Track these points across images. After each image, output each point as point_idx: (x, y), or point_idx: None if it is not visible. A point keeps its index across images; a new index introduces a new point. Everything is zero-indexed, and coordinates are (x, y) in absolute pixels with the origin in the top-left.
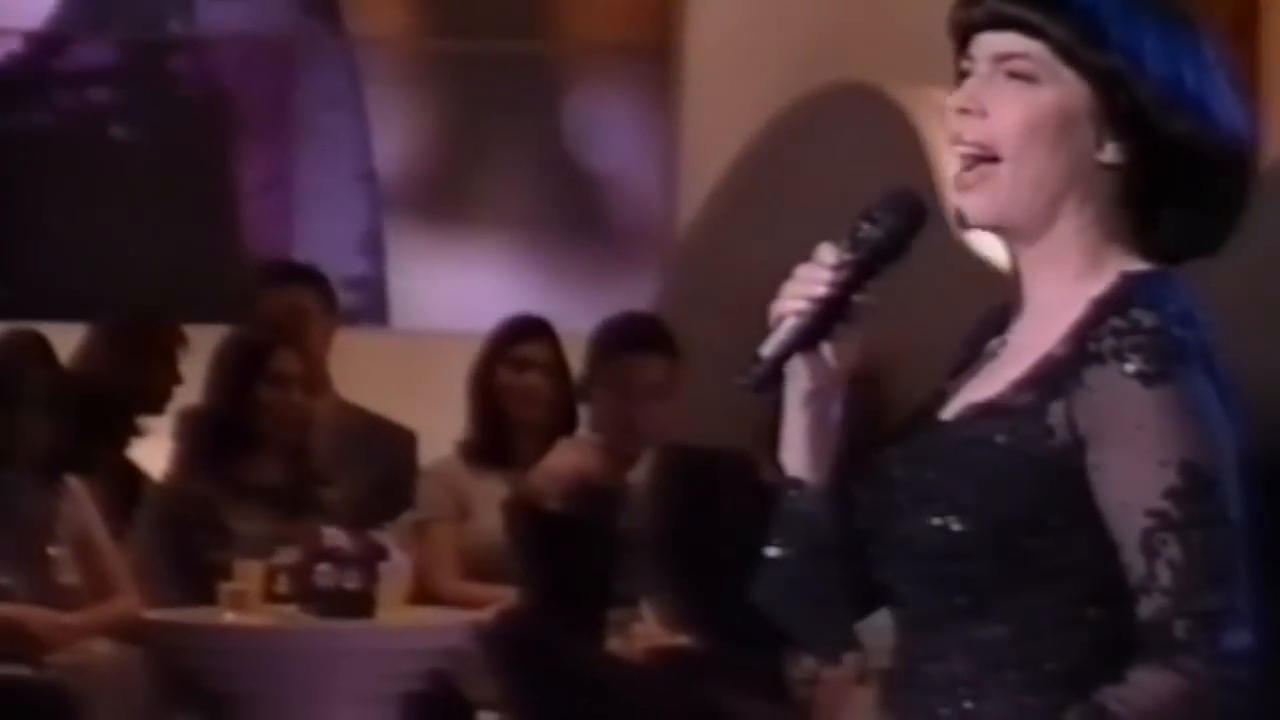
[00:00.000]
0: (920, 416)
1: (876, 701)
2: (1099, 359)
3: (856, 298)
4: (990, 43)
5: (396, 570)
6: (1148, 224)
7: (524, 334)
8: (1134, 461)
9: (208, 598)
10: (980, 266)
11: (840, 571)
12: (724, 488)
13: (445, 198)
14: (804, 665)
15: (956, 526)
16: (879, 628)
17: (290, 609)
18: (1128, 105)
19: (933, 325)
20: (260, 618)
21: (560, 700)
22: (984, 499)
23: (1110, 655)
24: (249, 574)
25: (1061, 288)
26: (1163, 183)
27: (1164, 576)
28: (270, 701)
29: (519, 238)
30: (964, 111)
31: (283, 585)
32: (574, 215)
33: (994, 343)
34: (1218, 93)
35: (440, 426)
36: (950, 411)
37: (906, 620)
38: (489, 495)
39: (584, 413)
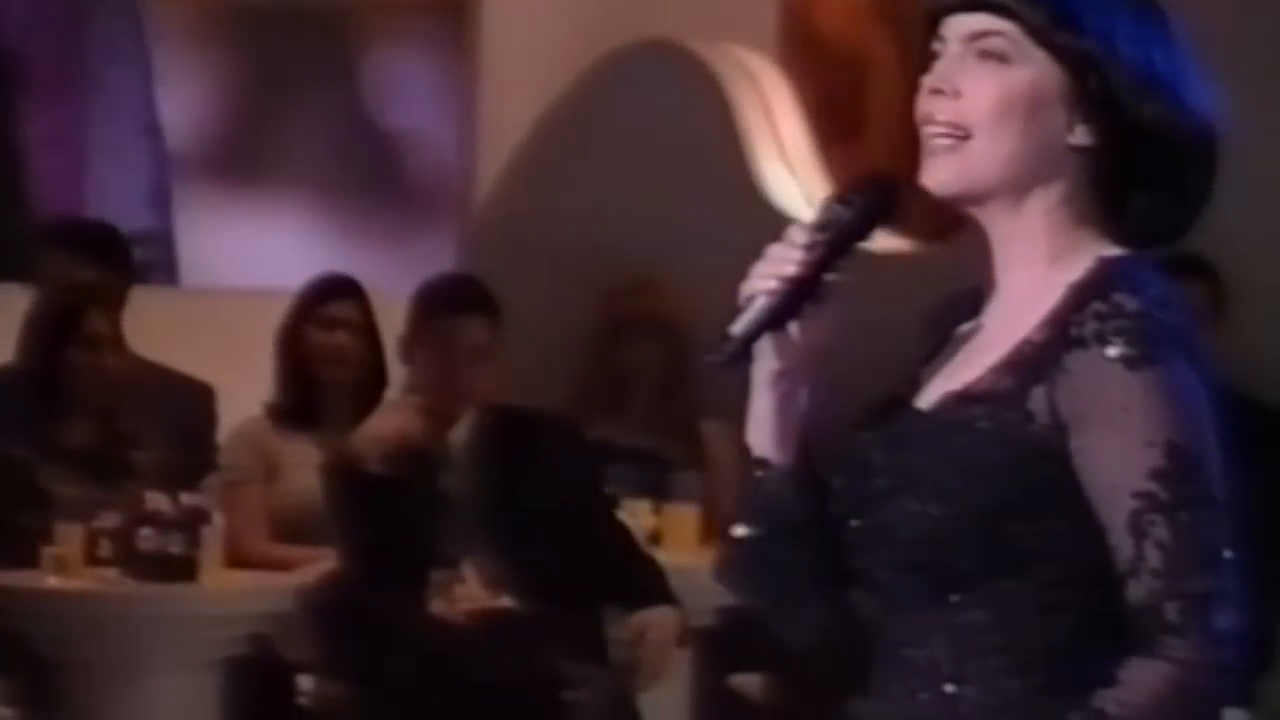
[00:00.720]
0: (893, 403)
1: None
2: (1081, 343)
3: (827, 277)
4: (962, 23)
5: (217, 534)
6: (1117, 208)
7: (332, 293)
8: (1119, 444)
9: (29, 562)
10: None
11: (808, 552)
12: (545, 448)
13: (239, 155)
14: (625, 625)
15: (937, 512)
16: (695, 587)
17: (112, 573)
18: (1099, 88)
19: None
20: (83, 582)
21: (382, 662)
22: (965, 484)
23: (1091, 638)
24: (70, 538)
25: (1034, 271)
26: (1132, 166)
27: (1153, 558)
28: (94, 666)
29: (315, 195)
30: (936, 92)
31: (105, 549)
32: (371, 173)
33: (966, 327)
34: (1187, 78)
35: (233, 385)
36: (927, 399)
37: (885, 605)
38: (298, 456)
39: (395, 372)
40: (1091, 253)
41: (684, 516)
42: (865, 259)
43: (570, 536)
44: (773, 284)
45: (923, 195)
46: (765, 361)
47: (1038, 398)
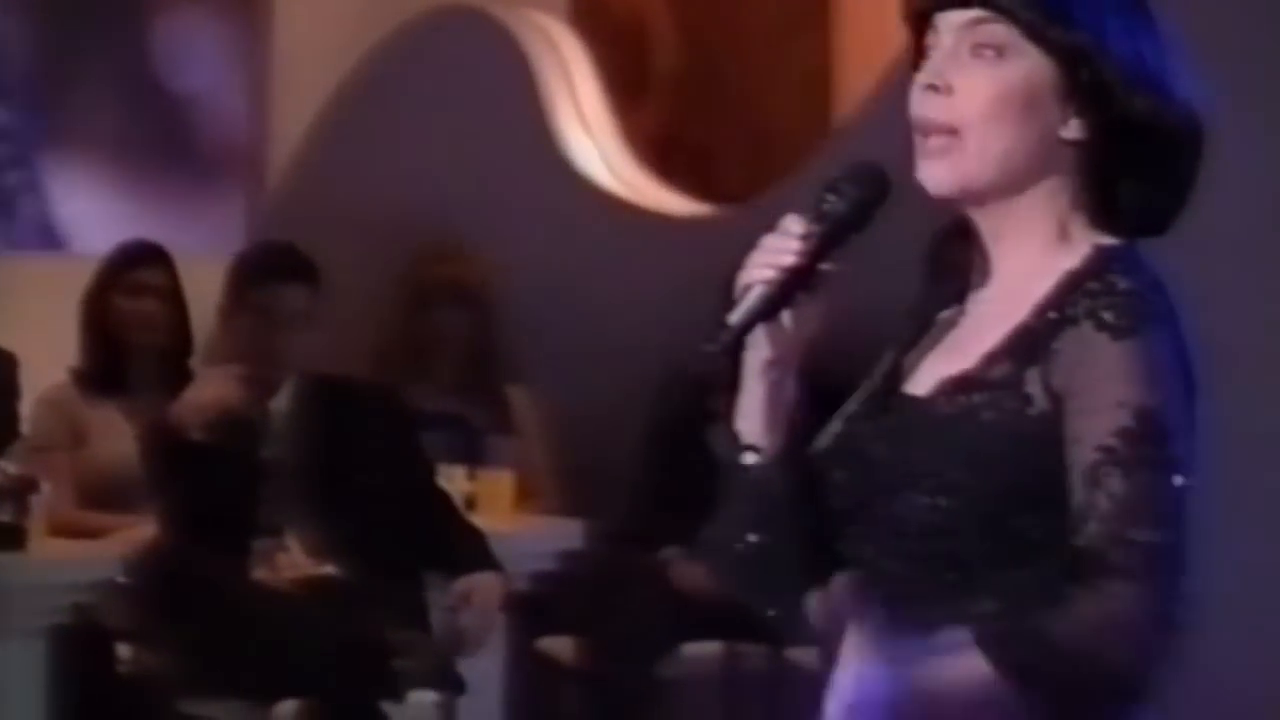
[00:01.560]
0: (885, 392)
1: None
2: (1073, 322)
3: (822, 267)
4: (954, 20)
5: (44, 502)
6: (1108, 198)
7: (139, 260)
8: (1093, 404)
9: None
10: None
11: (794, 538)
12: (365, 416)
13: (30, 120)
14: (449, 591)
15: (945, 504)
16: (510, 552)
17: None
18: (1091, 82)
19: (534, 247)
20: None
21: (205, 631)
22: (971, 476)
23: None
24: None
25: (1028, 258)
26: (1123, 157)
27: (1103, 505)
28: None
29: (106, 159)
30: (930, 88)
31: None
32: (164, 137)
33: (949, 313)
34: (1174, 70)
35: (34, 353)
36: (922, 386)
37: (890, 595)
38: (105, 423)
39: (201, 339)
40: (1088, 240)
41: (498, 482)
42: (665, 223)
43: (392, 503)
44: (770, 274)
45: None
46: (757, 350)
47: (1033, 380)
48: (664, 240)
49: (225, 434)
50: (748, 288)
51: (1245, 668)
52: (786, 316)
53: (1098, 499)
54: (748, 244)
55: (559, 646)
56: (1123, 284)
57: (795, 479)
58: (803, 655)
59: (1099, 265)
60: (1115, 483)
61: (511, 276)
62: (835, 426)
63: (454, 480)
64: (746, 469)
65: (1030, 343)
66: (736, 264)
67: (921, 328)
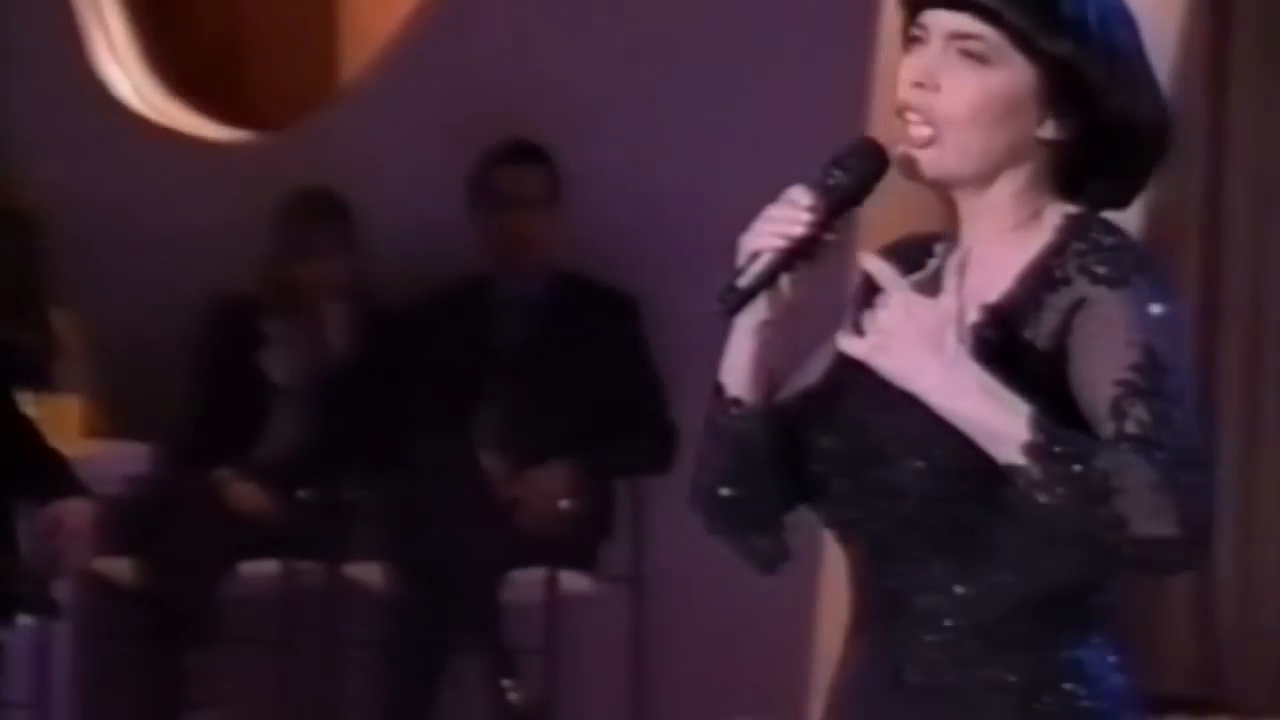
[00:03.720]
0: (860, 365)
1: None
2: (1065, 281)
3: (825, 237)
4: (945, 21)
5: None
6: (1076, 183)
7: None
8: (1103, 347)
9: None
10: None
11: (772, 486)
12: None
13: None
14: (39, 516)
15: (940, 468)
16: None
17: None
18: (1072, 89)
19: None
20: None
21: None
22: (958, 447)
23: (1089, 579)
24: None
25: (1001, 240)
26: (1094, 152)
27: (1132, 428)
28: None
29: None
30: (918, 86)
31: None
32: None
33: (915, 278)
34: (1145, 68)
35: None
36: None
37: (883, 555)
38: None
39: None
40: (1057, 213)
41: (64, 407)
42: (204, 148)
43: None
44: (779, 243)
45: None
46: (753, 311)
47: (1028, 343)
48: (202, 166)
49: None
50: (756, 254)
51: None
52: (785, 281)
53: (1127, 427)
54: (284, 171)
55: (117, 568)
56: (1108, 240)
57: (777, 430)
58: (359, 572)
59: (1078, 229)
60: (1140, 411)
61: (55, 202)
62: (809, 387)
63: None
64: (730, 422)
65: (1018, 309)
66: (275, 190)
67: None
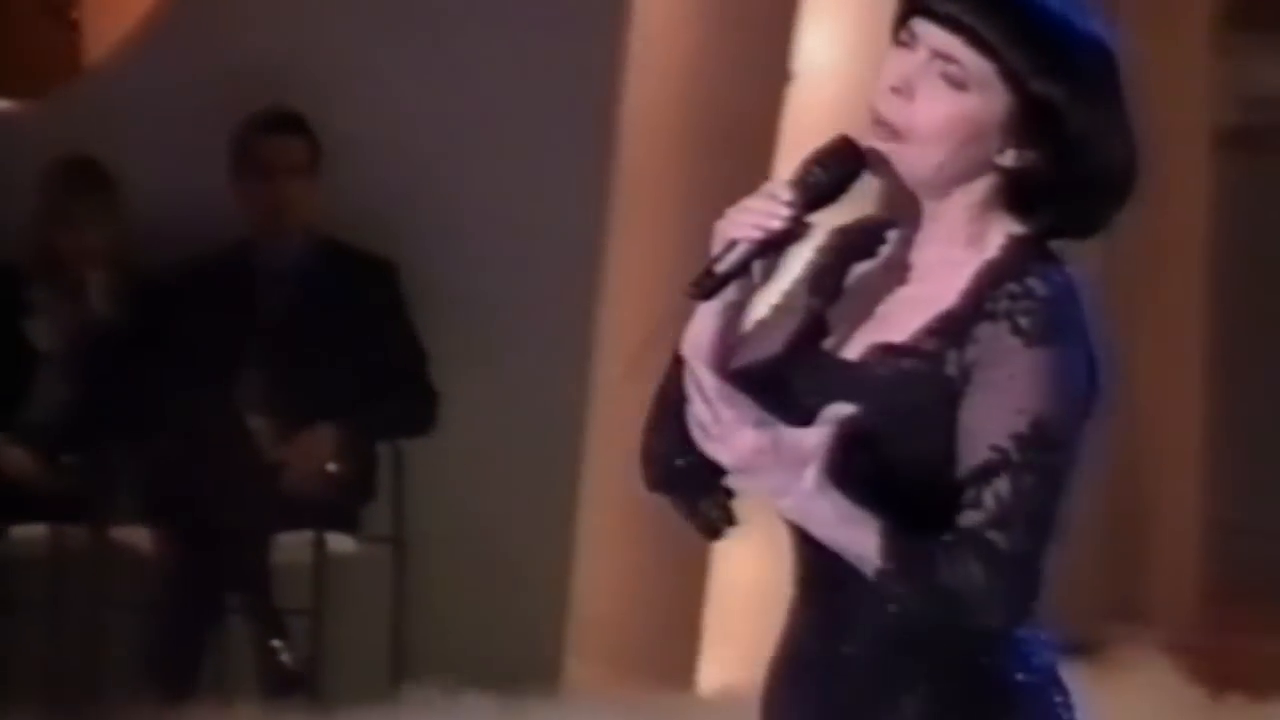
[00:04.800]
0: (817, 351)
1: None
2: (992, 317)
3: (799, 232)
4: (935, 37)
5: None
6: (1027, 205)
7: None
8: (995, 404)
9: None
10: None
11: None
12: None
13: None
14: None
15: (873, 458)
16: None
17: None
18: (1049, 126)
19: None
20: None
21: None
22: (904, 432)
23: None
24: None
25: (952, 250)
26: (1052, 182)
27: (988, 501)
28: None
29: None
30: (895, 90)
31: None
32: None
33: (864, 268)
34: (1124, 112)
35: None
36: (853, 352)
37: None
38: None
39: None
40: (1002, 232)
41: None
42: None
43: None
44: (756, 234)
45: None
46: (723, 294)
47: (953, 360)
48: None
49: None
50: (733, 242)
51: None
52: (756, 269)
53: (985, 496)
54: (46, 140)
55: None
56: (1041, 290)
57: None
58: (126, 535)
59: (1016, 261)
60: (1003, 485)
61: None
62: (756, 363)
63: None
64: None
65: (953, 328)
66: (36, 159)
67: (840, 281)
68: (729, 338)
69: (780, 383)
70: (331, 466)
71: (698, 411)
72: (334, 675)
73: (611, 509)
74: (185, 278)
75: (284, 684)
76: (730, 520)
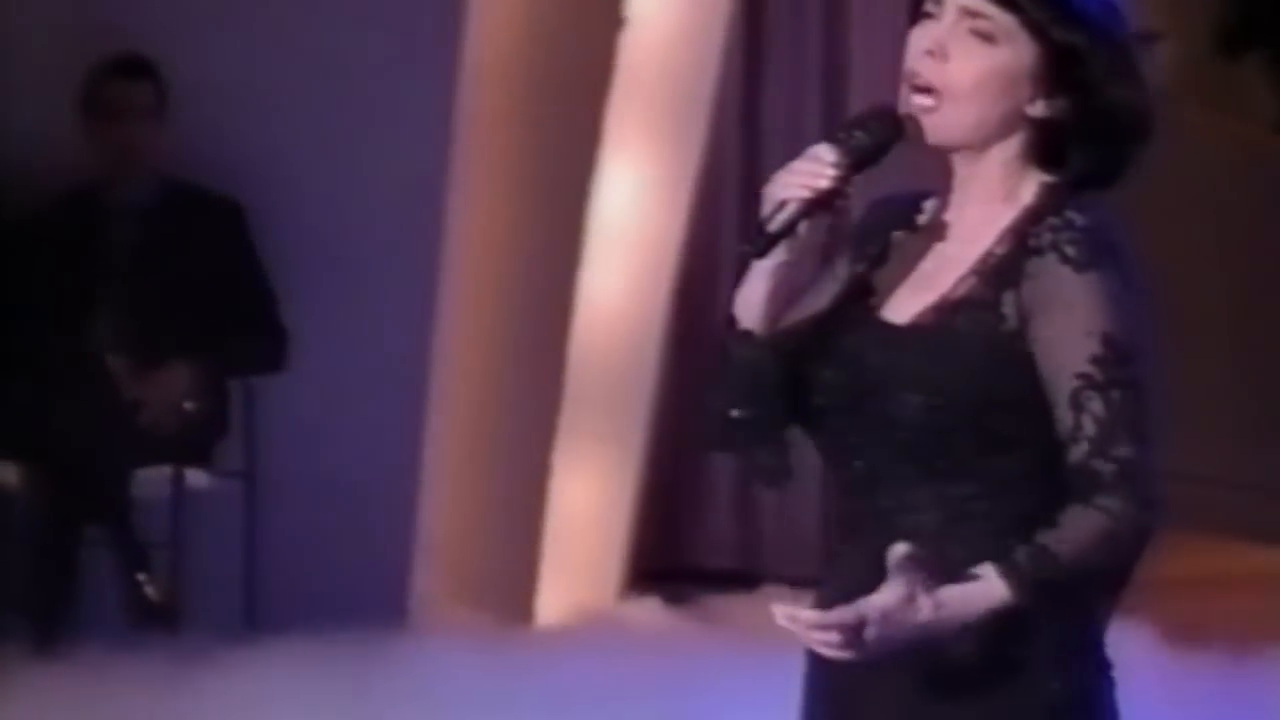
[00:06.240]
0: (862, 307)
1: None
2: (1038, 251)
3: (845, 191)
4: None
5: None
6: (1057, 157)
7: None
8: (1065, 334)
9: None
10: None
11: (779, 407)
12: None
13: None
14: None
15: (934, 404)
16: None
17: None
18: (1073, 73)
19: None
20: None
21: None
22: (956, 381)
23: (1056, 506)
24: None
25: (989, 207)
26: (1080, 132)
27: (1088, 426)
28: None
29: None
30: (929, 54)
31: None
32: None
33: (901, 235)
34: (1136, 59)
35: None
36: (903, 313)
37: (874, 477)
38: None
39: None
40: (1036, 180)
41: None
42: None
43: None
44: (805, 194)
45: None
46: (774, 253)
47: (1008, 301)
48: None
49: None
50: (783, 203)
51: None
52: (804, 227)
53: (1084, 422)
54: None
55: None
56: (1080, 220)
57: (785, 359)
58: None
59: (1056, 200)
60: (1096, 405)
61: None
62: (812, 318)
63: None
64: (742, 351)
65: (1000, 268)
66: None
67: (882, 249)
68: (780, 296)
69: (829, 340)
70: (188, 404)
71: (816, 641)
72: (192, 608)
73: (455, 444)
74: (37, 218)
75: (148, 616)
76: (788, 471)
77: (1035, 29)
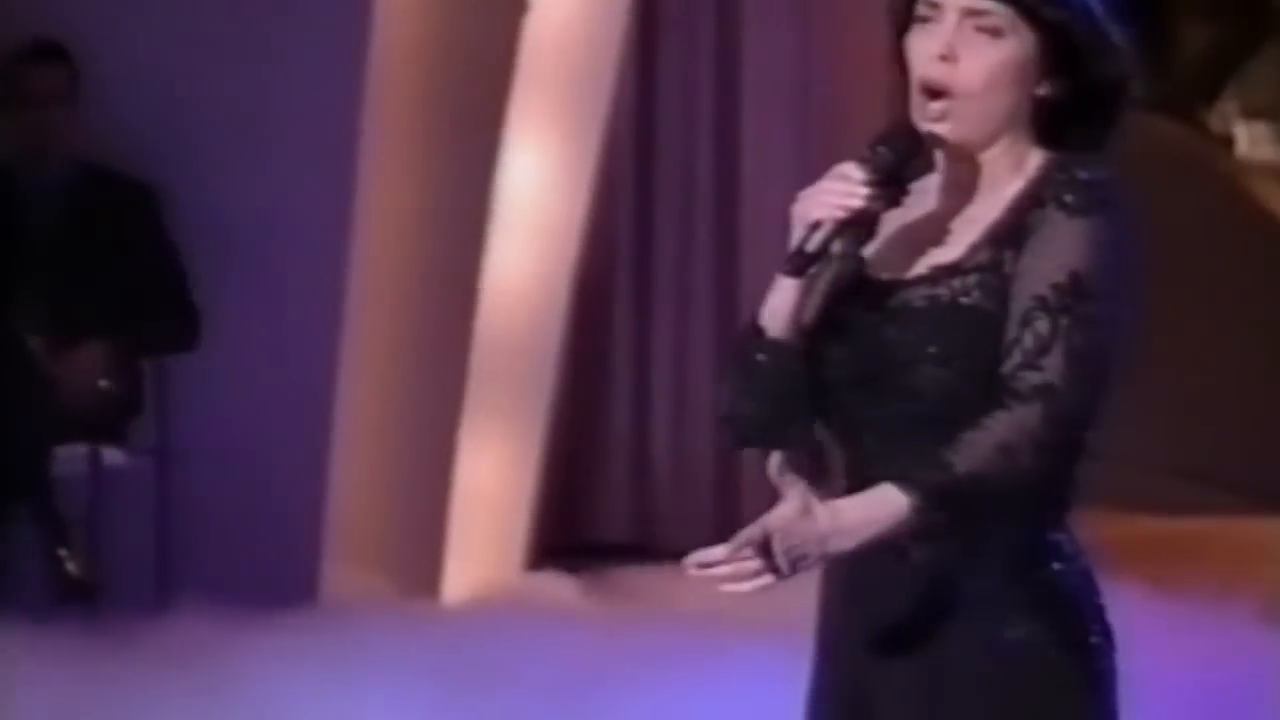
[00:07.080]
0: (861, 285)
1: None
2: (1041, 204)
3: (875, 207)
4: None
5: None
6: (1051, 133)
7: None
8: (1037, 261)
9: None
10: None
11: (805, 408)
12: None
13: None
14: None
15: (949, 374)
16: None
17: None
18: (1067, 52)
19: None
20: None
21: None
22: (967, 351)
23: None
24: None
25: (996, 181)
26: (1076, 105)
27: (1027, 340)
28: None
29: None
30: (941, 58)
31: None
32: None
33: (919, 185)
34: (1116, 32)
35: None
36: (916, 268)
37: (884, 451)
38: None
39: None
40: (1039, 155)
41: None
42: None
43: None
44: (839, 214)
45: None
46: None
47: (1010, 260)
48: None
49: None
50: (817, 223)
51: None
52: (836, 245)
53: (1024, 336)
54: None
55: None
56: (1083, 174)
57: (806, 366)
58: None
59: (1060, 162)
60: (1042, 325)
61: None
62: (814, 299)
63: None
64: (773, 360)
65: (1006, 231)
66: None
67: (896, 195)
68: (807, 303)
69: (835, 317)
70: (103, 383)
71: (731, 576)
72: (108, 583)
73: (364, 422)
74: None
75: (70, 591)
76: (825, 470)
77: (1028, 14)
